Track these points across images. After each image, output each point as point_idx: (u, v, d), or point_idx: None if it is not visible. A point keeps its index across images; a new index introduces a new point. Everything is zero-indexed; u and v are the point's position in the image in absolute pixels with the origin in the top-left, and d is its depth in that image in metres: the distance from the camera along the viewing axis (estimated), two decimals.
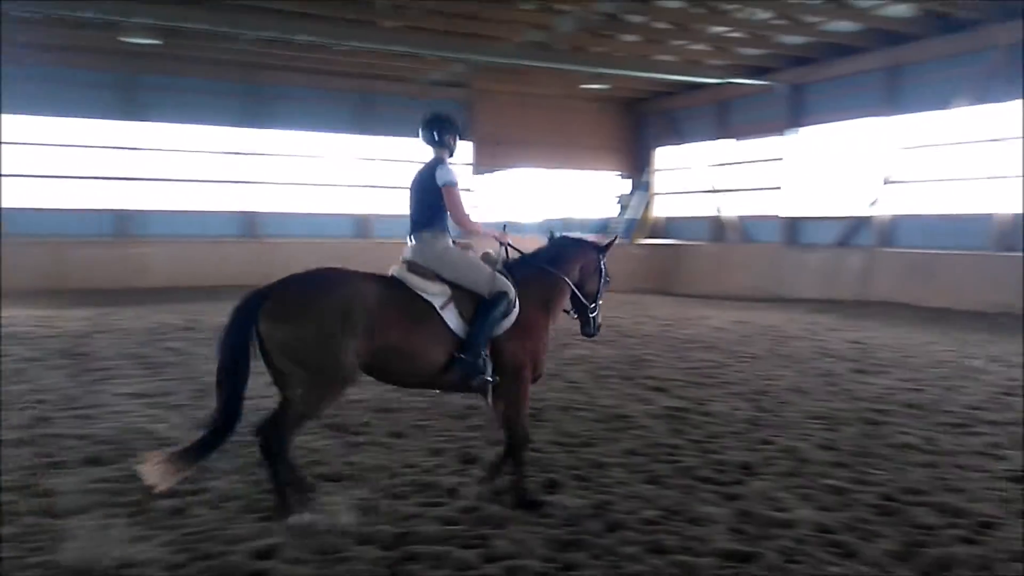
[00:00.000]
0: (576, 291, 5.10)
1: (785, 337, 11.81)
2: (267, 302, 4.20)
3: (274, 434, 4.24)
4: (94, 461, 5.27)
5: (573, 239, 5.34)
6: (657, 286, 21.13)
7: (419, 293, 4.55)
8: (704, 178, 22.45)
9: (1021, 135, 14.46)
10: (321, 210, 21.35)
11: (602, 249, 5.24)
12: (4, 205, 17.54)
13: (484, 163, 22.83)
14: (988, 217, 14.98)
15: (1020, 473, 5.33)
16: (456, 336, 4.54)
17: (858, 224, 17.73)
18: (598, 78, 18.49)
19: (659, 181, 24.50)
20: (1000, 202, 14.80)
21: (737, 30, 16.52)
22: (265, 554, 3.93)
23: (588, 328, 5.26)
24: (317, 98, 20.80)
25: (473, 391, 4.76)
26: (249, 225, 20.44)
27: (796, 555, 4.02)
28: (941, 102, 15.76)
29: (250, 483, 4.86)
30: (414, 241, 4.81)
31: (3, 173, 17.72)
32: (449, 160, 4.97)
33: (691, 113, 22.91)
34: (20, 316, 12.51)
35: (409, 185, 4.96)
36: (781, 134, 19.72)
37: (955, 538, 4.23)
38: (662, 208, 24.54)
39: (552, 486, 4.97)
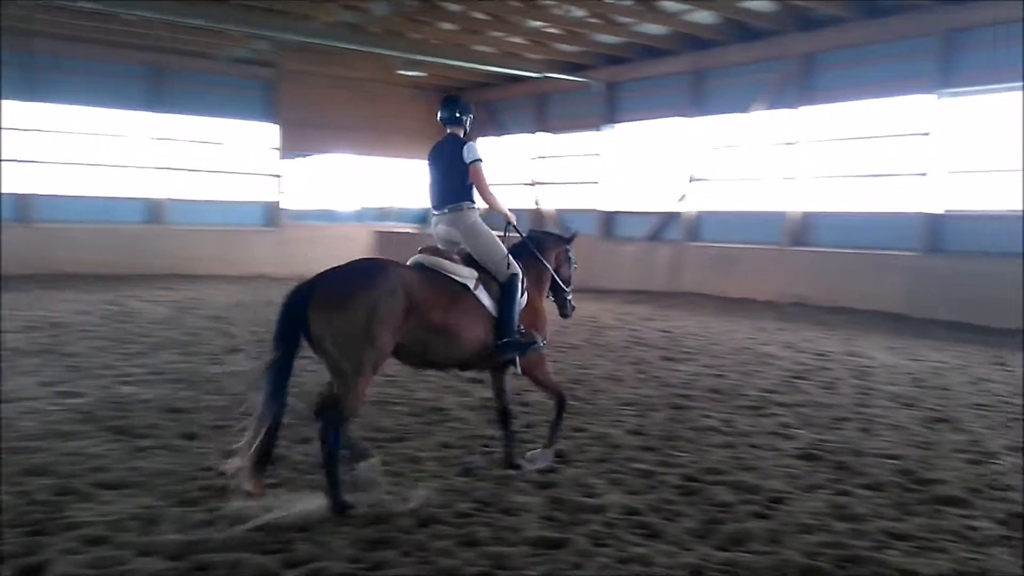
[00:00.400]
0: (556, 277, 5.66)
1: (601, 327, 12.22)
2: (314, 294, 4.36)
3: (331, 416, 4.40)
4: None
5: (547, 232, 6.01)
6: None
7: (452, 277, 4.86)
8: (523, 170, 22.82)
9: (795, 140, 15.80)
10: (107, 193, 19.50)
11: (569, 241, 5.85)
12: None
13: (292, 147, 22.02)
14: (782, 215, 16.23)
15: (806, 450, 5.75)
16: (491, 314, 4.93)
17: (668, 219, 18.68)
18: (414, 65, 18.21)
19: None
20: (791, 201, 16.06)
21: (554, 26, 16.86)
22: (35, 570, 3.59)
23: (565, 310, 5.88)
24: (103, 71, 18.99)
25: (500, 368, 5.22)
26: (23, 208, 18.28)
27: (605, 539, 4.11)
28: (740, 106, 16.86)
29: (16, 494, 4.47)
30: (443, 213, 5.20)
31: None
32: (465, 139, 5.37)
33: (510, 105, 23.20)
34: None
35: (429, 162, 5.37)
36: (597, 130, 20.39)
37: (749, 514, 4.49)
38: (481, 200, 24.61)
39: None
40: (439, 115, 5.52)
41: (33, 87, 18.08)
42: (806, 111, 15.76)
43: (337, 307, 4.32)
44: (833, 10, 14.13)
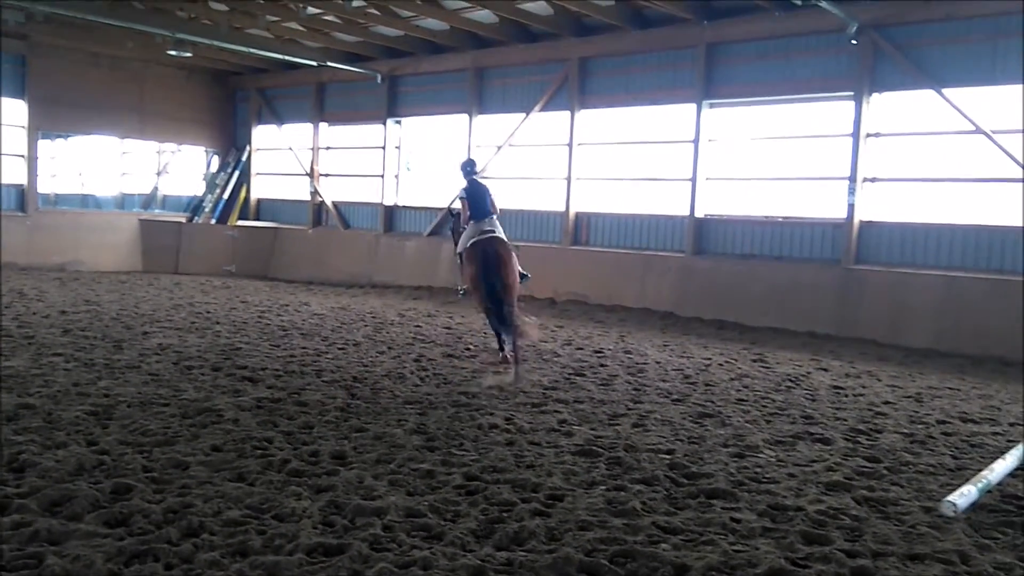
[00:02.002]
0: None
1: (384, 324, 12.16)
2: (497, 260, 8.64)
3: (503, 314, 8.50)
4: None
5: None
6: (252, 270, 20.52)
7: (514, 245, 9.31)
8: (303, 161, 22.24)
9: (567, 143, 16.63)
10: None
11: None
12: None
13: (44, 126, 20.30)
14: (561, 215, 16.88)
15: (584, 447, 5.99)
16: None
17: (449, 215, 18.85)
18: (181, 44, 17.41)
19: (257, 161, 23.72)
20: (569, 201, 16.75)
21: (331, 14, 16.57)
22: None
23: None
24: None
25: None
26: None
27: (384, 543, 4.05)
28: (521, 106, 17.40)
29: None
30: (491, 220, 9.18)
31: None
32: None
33: (288, 93, 22.56)
34: None
35: (474, 191, 9.35)
36: (379, 123, 20.24)
37: (530, 512, 4.57)
38: (259, 189, 23.82)
39: (122, 492, 4.58)
40: (464, 170, 9.78)
41: None
42: (582, 114, 16.56)
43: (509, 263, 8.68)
44: (605, 17, 14.88)
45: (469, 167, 9.72)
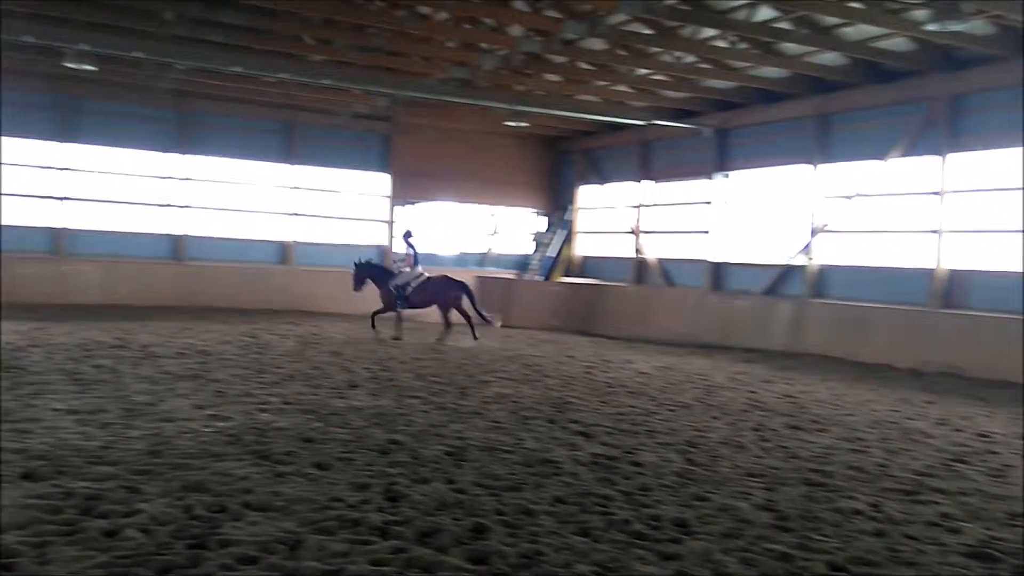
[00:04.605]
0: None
1: (714, 386, 11.80)
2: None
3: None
4: (29, 476, 5.52)
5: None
6: (576, 326, 21.21)
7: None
8: (626, 219, 22.78)
9: (949, 190, 15.00)
10: (245, 235, 22.28)
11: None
12: None
13: (402, 195, 23.89)
14: (927, 272, 15.28)
15: (977, 548, 5.17)
16: None
17: (787, 272, 18.10)
18: (519, 115, 19.37)
19: (580, 220, 24.89)
20: (937, 257, 15.13)
21: (661, 73, 17.05)
22: None
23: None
24: (244, 127, 22.08)
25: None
26: (176, 248, 21.55)
27: None
28: (872, 152, 16.23)
29: (179, 508, 5.00)
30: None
31: None
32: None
33: (613, 153, 23.43)
34: None
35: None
36: (707, 177, 20.09)
37: None
38: (583, 247, 24.86)
39: (480, 531, 4.91)
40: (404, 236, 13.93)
41: (185, 142, 21.43)
42: (953, 158, 15.03)
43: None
44: (982, 47, 13.47)
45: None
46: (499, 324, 17.25)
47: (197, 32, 15.54)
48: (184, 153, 21.47)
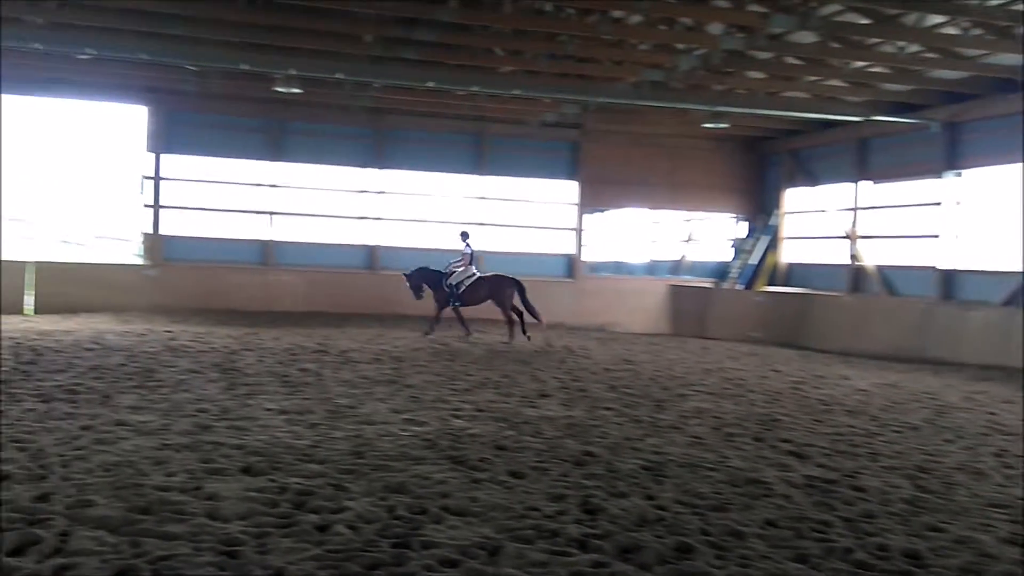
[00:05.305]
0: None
1: (946, 406, 10.83)
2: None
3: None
4: (248, 471, 5.94)
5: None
6: (780, 338, 20.19)
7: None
8: (840, 222, 21.59)
9: None
10: (438, 246, 22.75)
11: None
12: (165, 233, 21.36)
13: (591, 203, 23.91)
14: None
15: None
16: None
17: None
18: (718, 116, 18.84)
19: (787, 225, 23.84)
20: None
21: (879, 65, 16.10)
22: None
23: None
24: (435, 140, 22.88)
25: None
26: (371, 258, 22.77)
27: None
28: None
29: (384, 508, 5.21)
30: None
31: (164, 205, 21.43)
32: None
33: (825, 152, 22.30)
34: (179, 332, 15.04)
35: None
36: (936, 176, 18.71)
37: None
38: (789, 253, 23.76)
39: (684, 551, 4.77)
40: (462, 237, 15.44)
41: (380, 157, 22.60)
42: None
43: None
44: None
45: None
46: (545, 323, 16.92)
47: (393, 51, 16.14)
48: (380, 168, 22.61)
